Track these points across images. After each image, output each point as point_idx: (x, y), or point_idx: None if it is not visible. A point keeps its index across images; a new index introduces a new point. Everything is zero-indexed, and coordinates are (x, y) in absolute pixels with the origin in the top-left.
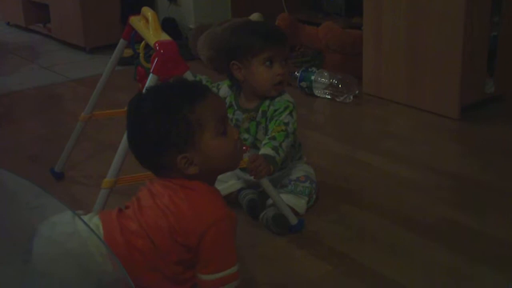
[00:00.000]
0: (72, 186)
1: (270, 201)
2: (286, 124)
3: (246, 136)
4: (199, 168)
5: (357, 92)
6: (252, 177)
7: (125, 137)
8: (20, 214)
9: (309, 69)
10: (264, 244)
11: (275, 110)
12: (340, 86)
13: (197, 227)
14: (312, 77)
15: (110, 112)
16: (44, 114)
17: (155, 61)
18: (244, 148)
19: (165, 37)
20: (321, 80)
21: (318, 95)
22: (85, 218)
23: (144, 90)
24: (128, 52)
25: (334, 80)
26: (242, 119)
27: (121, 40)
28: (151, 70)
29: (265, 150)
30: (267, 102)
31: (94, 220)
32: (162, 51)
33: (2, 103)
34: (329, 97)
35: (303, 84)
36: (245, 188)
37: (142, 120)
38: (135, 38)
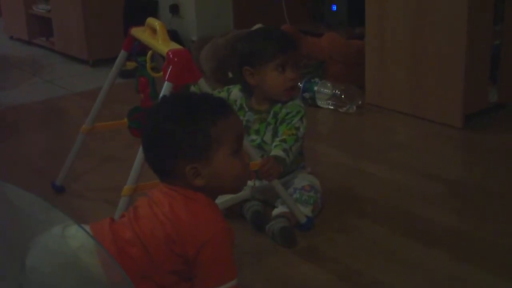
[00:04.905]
0: (73, 199)
1: (274, 213)
2: (297, 128)
3: (254, 137)
4: (205, 182)
5: (360, 102)
6: (261, 181)
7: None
8: (22, 228)
9: (312, 80)
10: (267, 254)
11: (287, 113)
12: (343, 96)
13: (196, 238)
14: (315, 88)
15: (112, 123)
16: (48, 127)
17: (170, 69)
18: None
19: (175, 46)
20: (324, 91)
21: (321, 105)
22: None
23: (161, 97)
24: (131, 65)
25: (337, 91)
26: (253, 119)
27: (122, 52)
28: (166, 78)
29: (276, 151)
30: (279, 105)
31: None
32: (176, 59)
33: (6, 116)
34: (332, 107)
35: (306, 95)
36: (249, 200)
37: (163, 124)
38: (136, 49)
